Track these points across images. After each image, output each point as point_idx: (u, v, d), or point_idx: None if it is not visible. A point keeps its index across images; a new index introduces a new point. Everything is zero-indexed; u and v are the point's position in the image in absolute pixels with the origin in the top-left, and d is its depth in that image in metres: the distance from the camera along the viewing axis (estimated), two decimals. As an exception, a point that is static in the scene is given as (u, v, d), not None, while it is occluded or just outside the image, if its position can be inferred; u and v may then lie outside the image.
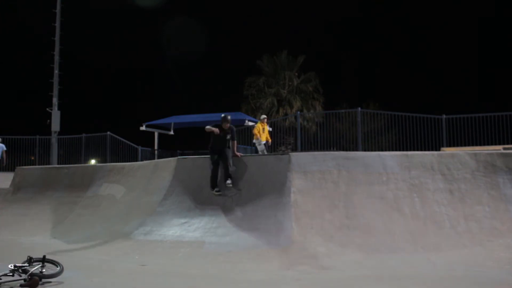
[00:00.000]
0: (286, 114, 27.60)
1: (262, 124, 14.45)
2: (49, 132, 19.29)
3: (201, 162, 10.55)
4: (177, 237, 9.09)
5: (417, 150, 12.54)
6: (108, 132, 18.16)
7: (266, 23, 56.89)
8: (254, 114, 28.06)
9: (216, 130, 9.75)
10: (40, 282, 6.14)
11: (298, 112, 21.77)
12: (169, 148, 21.38)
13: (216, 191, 9.61)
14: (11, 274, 6.13)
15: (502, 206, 8.78)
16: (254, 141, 14.36)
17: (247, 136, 17.38)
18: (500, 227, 8.42)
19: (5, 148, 16.57)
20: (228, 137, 9.97)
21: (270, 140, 14.81)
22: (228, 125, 10.03)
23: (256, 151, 14.24)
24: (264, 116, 15.23)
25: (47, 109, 19.43)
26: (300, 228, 8.50)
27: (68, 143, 19.15)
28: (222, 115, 10.22)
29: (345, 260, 7.65)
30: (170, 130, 20.87)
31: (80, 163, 17.33)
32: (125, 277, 6.94)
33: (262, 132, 14.25)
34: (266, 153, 13.76)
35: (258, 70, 31.59)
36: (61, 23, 19.84)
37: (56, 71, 19.67)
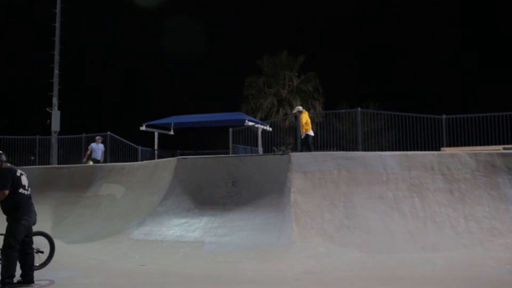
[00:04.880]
0: (286, 114, 27.57)
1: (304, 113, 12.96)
2: (49, 132, 19.27)
3: (201, 162, 10.55)
4: (177, 237, 9.09)
5: (417, 150, 12.51)
6: (108, 132, 18.14)
7: (266, 23, 56.87)
8: (254, 114, 28.01)
9: None
10: None
11: (297, 113, 21.69)
12: (169, 148, 21.35)
13: None
14: None
15: (502, 206, 8.78)
16: (309, 132, 12.67)
17: (247, 136, 17.36)
18: (500, 227, 8.42)
19: (103, 149, 16.64)
20: None
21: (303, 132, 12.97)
22: None
23: (307, 145, 12.55)
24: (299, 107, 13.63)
25: (47, 109, 19.40)
26: (300, 228, 8.51)
27: (68, 143, 19.12)
28: None
29: (345, 260, 7.65)
30: (170, 130, 20.84)
31: (80, 163, 17.32)
32: (125, 277, 6.94)
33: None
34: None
35: (258, 70, 31.59)
36: (61, 23, 19.83)
37: (56, 71, 19.64)
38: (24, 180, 6.26)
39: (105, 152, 16.76)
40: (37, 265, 6.69)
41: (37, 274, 6.69)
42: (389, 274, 6.93)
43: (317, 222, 8.64)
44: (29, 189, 6.35)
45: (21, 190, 6.16)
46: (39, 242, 6.88)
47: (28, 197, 6.30)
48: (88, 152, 16.18)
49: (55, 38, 19.76)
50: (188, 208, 9.85)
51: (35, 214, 6.44)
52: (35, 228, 6.84)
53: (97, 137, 16.61)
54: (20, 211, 6.14)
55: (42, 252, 6.85)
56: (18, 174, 6.21)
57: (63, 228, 11.24)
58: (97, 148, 16.24)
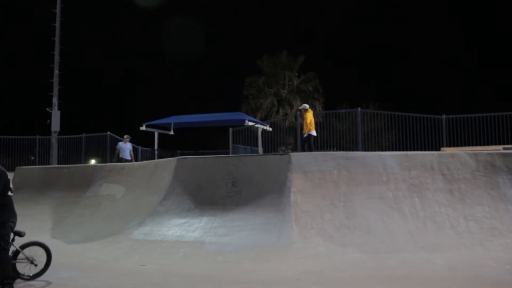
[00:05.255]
0: (286, 114, 27.59)
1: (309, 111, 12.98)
2: (49, 132, 19.29)
3: (201, 162, 10.55)
4: (177, 237, 9.09)
5: (417, 150, 12.53)
6: (108, 132, 18.19)
7: (266, 23, 56.90)
8: (254, 114, 28.03)
9: None
10: None
11: (298, 112, 21.72)
12: (169, 148, 21.39)
13: None
14: None
15: (502, 206, 8.78)
16: (312, 132, 12.72)
17: (247, 136, 17.38)
18: (500, 227, 8.42)
19: (131, 148, 16.15)
20: None
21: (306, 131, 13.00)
22: None
23: (309, 144, 12.60)
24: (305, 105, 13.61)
25: (47, 109, 19.42)
26: (300, 228, 8.50)
27: (68, 143, 19.16)
28: None
29: (345, 260, 7.65)
30: (170, 130, 20.88)
31: (80, 163, 17.32)
32: (125, 277, 6.94)
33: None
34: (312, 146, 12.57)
35: (258, 70, 31.60)
36: (61, 23, 19.84)
37: (56, 71, 19.66)
38: (11, 182, 6.27)
39: (133, 151, 16.20)
40: (31, 275, 6.52)
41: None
42: (389, 274, 6.93)
43: (317, 222, 8.64)
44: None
45: (9, 193, 6.16)
46: (34, 252, 6.69)
47: (12, 199, 6.28)
48: (117, 151, 15.77)
49: (55, 38, 19.77)
50: (188, 208, 9.85)
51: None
52: (32, 237, 6.78)
53: (125, 136, 16.12)
54: (7, 213, 6.11)
55: (36, 265, 6.59)
56: (8, 176, 6.19)
57: (63, 228, 11.23)
58: (125, 147, 15.72)
